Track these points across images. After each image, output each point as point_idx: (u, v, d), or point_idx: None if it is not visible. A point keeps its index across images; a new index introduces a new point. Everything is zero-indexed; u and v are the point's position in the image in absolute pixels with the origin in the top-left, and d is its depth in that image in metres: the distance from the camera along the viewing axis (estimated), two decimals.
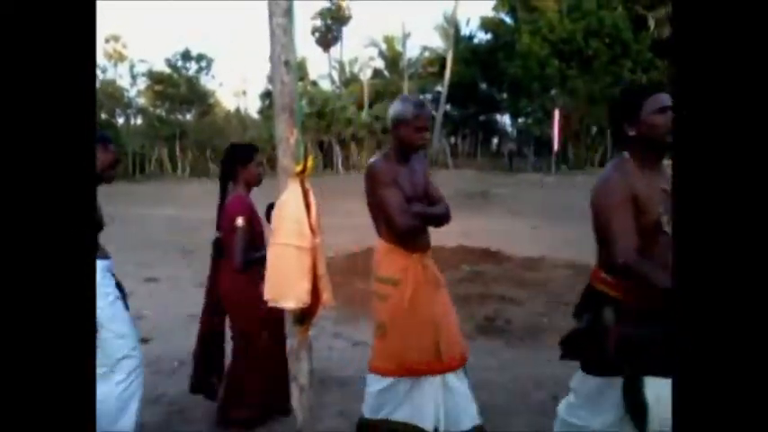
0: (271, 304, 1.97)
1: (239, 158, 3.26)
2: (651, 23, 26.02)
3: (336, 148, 30.00)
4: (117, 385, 2.77)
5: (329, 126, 29.51)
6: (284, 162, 1.94)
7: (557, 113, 23.80)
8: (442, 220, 2.79)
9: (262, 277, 2.90)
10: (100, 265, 2.74)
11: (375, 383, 2.72)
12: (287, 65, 1.88)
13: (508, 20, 32.01)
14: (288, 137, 1.92)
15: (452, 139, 36.38)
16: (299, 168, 1.91)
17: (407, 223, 2.59)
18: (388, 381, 2.67)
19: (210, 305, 3.33)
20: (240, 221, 3.07)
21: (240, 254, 3.07)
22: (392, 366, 2.65)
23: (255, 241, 3.16)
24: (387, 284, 2.67)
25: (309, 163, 1.93)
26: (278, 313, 3.06)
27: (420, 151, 2.81)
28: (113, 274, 2.93)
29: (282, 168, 1.96)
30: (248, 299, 3.01)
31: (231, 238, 3.12)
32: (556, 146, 24.61)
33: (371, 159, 2.78)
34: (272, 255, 1.95)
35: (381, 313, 2.69)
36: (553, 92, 26.79)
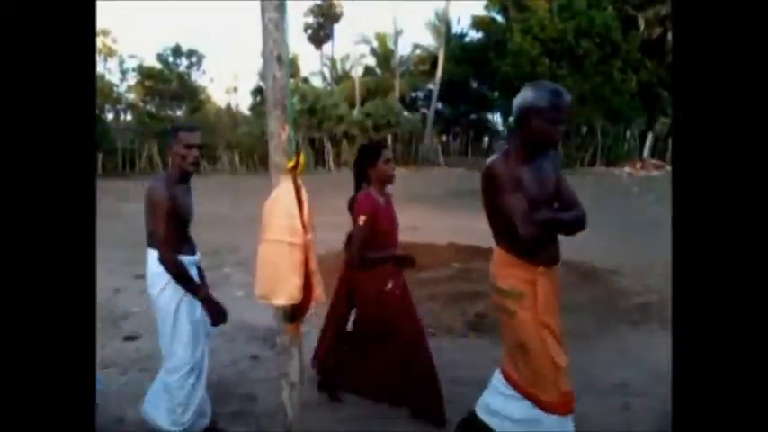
0: (261, 300, 1.97)
1: (366, 159, 3.28)
2: (641, 24, 26.16)
3: (328, 146, 29.92)
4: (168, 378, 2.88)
5: (321, 123, 29.43)
6: (276, 158, 1.94)
7: None
8: (573, 228, 2.41)
9: (390, 274, 3.19)
10: (186, 260, 2.84)
11: (502, 387, 2.57)
12: (279, 60, 1.87)
13: (499, 18, 32.05)
14: (280, 133, 1.92)
15: (443, 138, 36.38)
16: (290, 164, 1.91)
17: (531, 233, 2.26)
18: (512, 391, 2.51)
19: (341, 299, 3.46)
20: (361, 219, 3.11)
21: (354, 250, 3.14)
22: (523, 382, 2.45)
23: (378, 239, 3.19)
24: (509, 298, 2.40)
25: (301, 159, 1.93)
26: (409, 310, 3.22)
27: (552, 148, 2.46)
28: (200, 268, 3.06)
29: (274, 164, 1.95)
30: (378, 295, 3.17)
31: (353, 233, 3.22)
32: None
33: (490, 159, 2.44)
34: (263, 251, 1.95)
35: (514, 330, 2.42)
36: None
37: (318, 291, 2.04)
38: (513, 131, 2.40)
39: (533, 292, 2.34)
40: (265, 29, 1.87)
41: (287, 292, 1.90)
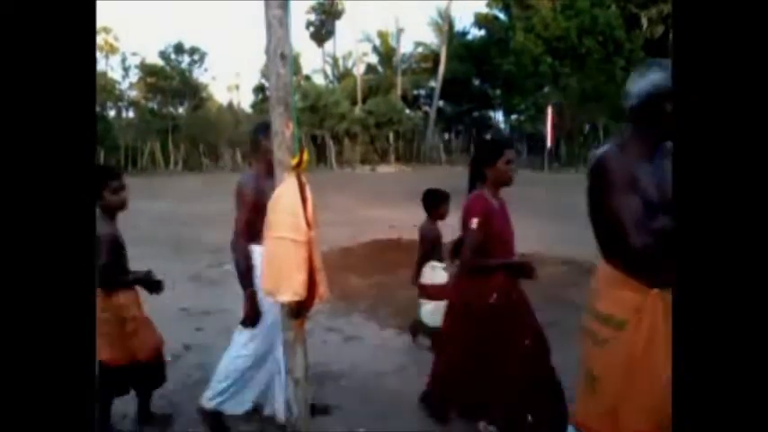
0: (266, 297, 1.97)
1: (486, 157, 2.98)
2: (644, 22, 26.12)
3: (330, 143, 29.93)
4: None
5: (322, 121, 29.46)
6: (279, 155, 1.94)
7: (549, 111, 23.86)
8: None
9: (497, 286, 2.88)
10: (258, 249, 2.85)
11: None
12: (283, 57, 1.87)
13: (502, 16, 32.02)
14: (284, 130, 1.92)
15: (446, 136, 36.38)
16: (294, 161, 1.91)
17: (646, 244, 1.87)
18: None
19: (454, 312, 3.15)
20: (474, 223, 2.84)
21: (468, 256, 2.90)
22: (604, 428, 2.04)
23: (491, 246, 2.91)
24: (607, 325, 2.01)
25: (305, 156, 1.93)
26: (522, 325, 2.94)
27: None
28: None
29: (278, 162, 1.95)
30: (481, 309, 2.91)
31: (465, 237, 2.94)
32: (549, 143, 24.67)
33: (600, 151, 2.02)
34: (267, 248, 1.95)
35: (594, 360, 2.06)
36: (546, 89, 26.86)
37: (323, 288, 2.04)
38: (632, 119, 1.98)
39: (637, 322, 1.94)
40: (269, 26, 1.86)
41: (291, 288, 1.90)
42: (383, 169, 27.81)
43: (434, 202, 4.31)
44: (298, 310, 2.01)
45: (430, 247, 4.30)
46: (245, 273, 2.90)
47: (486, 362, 2.93)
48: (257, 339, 2.97)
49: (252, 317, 2.92)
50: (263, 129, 2.84)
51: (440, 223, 4.36)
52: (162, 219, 11.93)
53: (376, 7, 65.42)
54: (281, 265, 1.90)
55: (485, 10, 33.56)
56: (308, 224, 1.90)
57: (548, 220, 11.24)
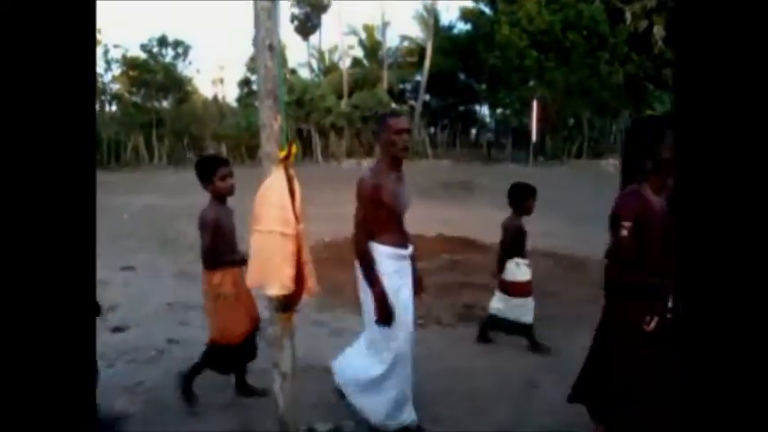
0: (254, 290, 1.96)
1: (650, 141, 2.32)
2: (628, 17, 26.27)
3: (315, 137, 29.78)
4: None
5: (308, 115, 29.28)
6: (268, 148, 1.93)
7: (535, 104, 23.95)
8: None
9: (656, 310, 2.23)
10: (392, 252, 2.83)
11: None
12: (271, 49, 1.86)
13: (487, 10, 32.00)
14: (272, 123, 1.91)
15: (431, 129, 36.35)
16: (282, 154, 1.90)
17: None
18: None
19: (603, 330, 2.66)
20: (625, 228, 2.26)
21: (617, 271, 2.38)
22: None
23: (648, 258, 2.28)
24: None
25: (293, 149, 1.92)
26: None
27: None
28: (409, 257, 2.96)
29: (266, 154, 1.95)
30: (631, 335, 2.36)
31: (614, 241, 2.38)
32: (534, 137, 24.77)
33: None
34: (255, 241, 1.95)
35: None
36: (531, 83, 26.95)
37: (311, 282, 2.04)
38: None
39: None
40: (257, 17, 1.85)
41: (279, 282, 1.90)
42: (369, 163, 27.68)
43: (521, 197, 4.26)
44: (286, 304, 2.00)
45: (513, 242, 4.23)
46: (368, 270, 2.76)
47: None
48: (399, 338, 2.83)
49: (381, 313, 2.74)
50: (381, 120, 2.84)
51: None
52: (146, 213, 11.81)
53: (361, 0, 65.03)
54: (269, 258, 1.89)
55: (470, 4, 33.57)
56: (296, 217, 1.90)
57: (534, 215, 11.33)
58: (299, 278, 1.95)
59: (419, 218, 2.79)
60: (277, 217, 1.87)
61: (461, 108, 38.54)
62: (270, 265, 1.90)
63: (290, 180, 1.92)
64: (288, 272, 1.89)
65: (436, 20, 33.90)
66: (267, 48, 1.85)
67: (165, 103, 33.95)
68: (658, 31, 25.57)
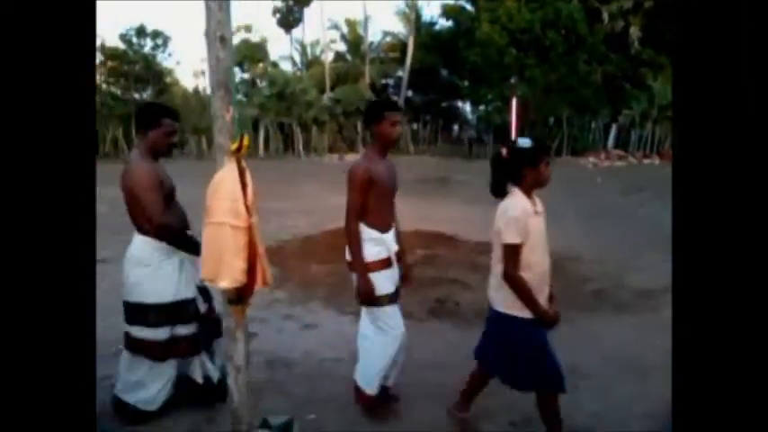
0: (206, 283, 1.95)
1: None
2: (605, 17, 26.52)
3: (297, 131, 29.64)
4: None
5: (290, 108, 29.12)
6: (220, 140, 1.92)
7: (514, 102, 24.09)
8: None
9: None
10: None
11: None
12: (222, 41, 1.85)
13: (469, 7, 32.07)
14: (224, 114, 1.89)
15: (413, 125, 36.38)
16: (234, 147, 1.89)
17: None
18: None
19: None
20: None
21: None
22: None
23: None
24: None
25: (245, 142, 1.91)
26: None
27: None
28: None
29: (218, 146, 1.93)
30: None
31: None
32: (513, 134, 24.90)
33: None
34: (206, 233, 1.93)
35: None
36: (512, 80, 27.08)
37: (267, 273, 2.03)
38: None
39: None
40: (208, 9, 1.83)
41: (231, 275, 1.89)
42: (351, 158, 27.68)
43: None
44: (238, 297, 1.99)
45: None
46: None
47: None
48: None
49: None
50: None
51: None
52: (121, 205, 11.66)
53: None
54: (220, 251, 1.88)
55: (452, 1, 33.60)
56: (248, 210, 1.89)
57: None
58: (252, 271, 1.94)
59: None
60: (228, 209, 1.86)
61: (443, 104, 38.58)
62: (221, 257, 1.89)
63: (242, 172, 1.90)
64: (239, 265, 1.88)
65: (418, 16, 33.90)
66: (218, 39, 1.84)
67: (144, 95, 33.52)
68: (634, 31, 25.87)
